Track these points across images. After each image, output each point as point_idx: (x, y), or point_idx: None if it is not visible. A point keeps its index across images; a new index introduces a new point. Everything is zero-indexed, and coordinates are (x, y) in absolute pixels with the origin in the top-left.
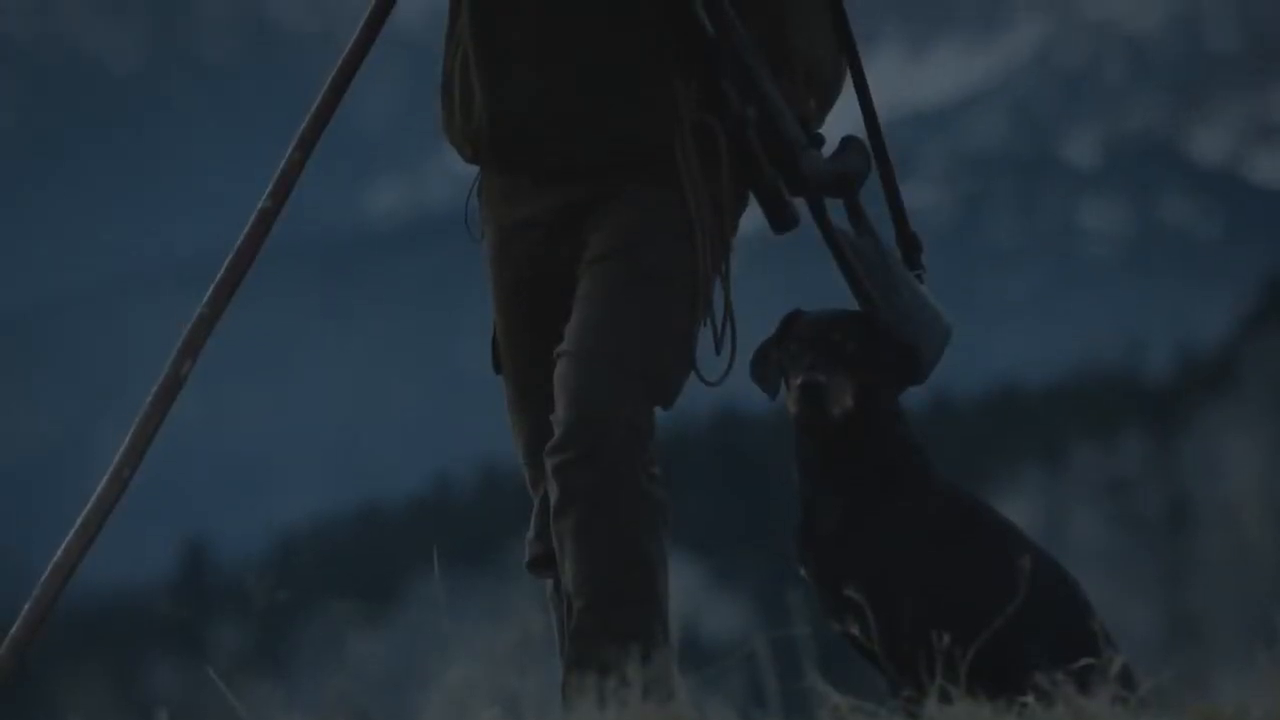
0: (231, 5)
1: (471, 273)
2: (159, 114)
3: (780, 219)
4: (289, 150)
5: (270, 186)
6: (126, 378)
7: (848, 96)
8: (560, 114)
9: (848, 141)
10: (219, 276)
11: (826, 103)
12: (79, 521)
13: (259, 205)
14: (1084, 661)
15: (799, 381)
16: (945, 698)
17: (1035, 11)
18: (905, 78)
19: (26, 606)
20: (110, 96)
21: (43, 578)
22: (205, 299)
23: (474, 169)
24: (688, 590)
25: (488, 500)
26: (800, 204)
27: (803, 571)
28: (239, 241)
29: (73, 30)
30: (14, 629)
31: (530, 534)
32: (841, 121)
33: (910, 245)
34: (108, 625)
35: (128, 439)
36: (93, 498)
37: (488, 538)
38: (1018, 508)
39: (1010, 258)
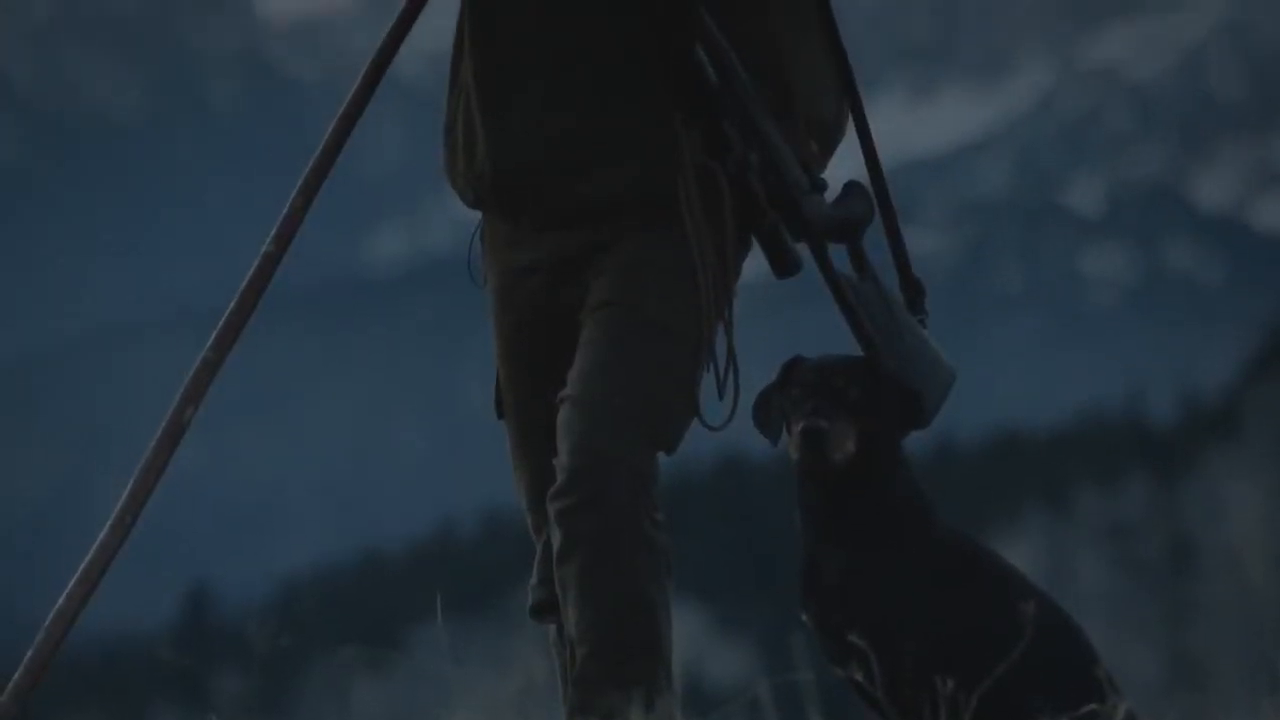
0: (235, 51)
1: (474, 318)
2: (162, 160)
3: (783, 264)
4: (292, 196)
5: (273, 232)
6: (129, 424)
7: (850, 141)
8: (563, 160)
9: (850, 186)
10: (222, 321)
11: (829, 147)
12: (81, 568)
13: (262, 250)
14: (1088, 707)
15: (801, 427)
16: None
17: (1038, 59)
18: (908, 123)
19: (29, 653)
20: (113, 142)
21: (45, 624)
22: (208, 344)
23: (477, 214)
24: (690, 636)
25: (490, 546)
26: (803, 249)
27: (805, 617)
28: (242, 286)
29: (76, 76)
30: (16, 675)
31: (533, 580)
32: (844, 166)
33: (913, 290)
34: (110, 672)
35: (130, 485)
36: (95, 544)
37: (491, 584)
38: (1021, 552)
39: (1013, 303)
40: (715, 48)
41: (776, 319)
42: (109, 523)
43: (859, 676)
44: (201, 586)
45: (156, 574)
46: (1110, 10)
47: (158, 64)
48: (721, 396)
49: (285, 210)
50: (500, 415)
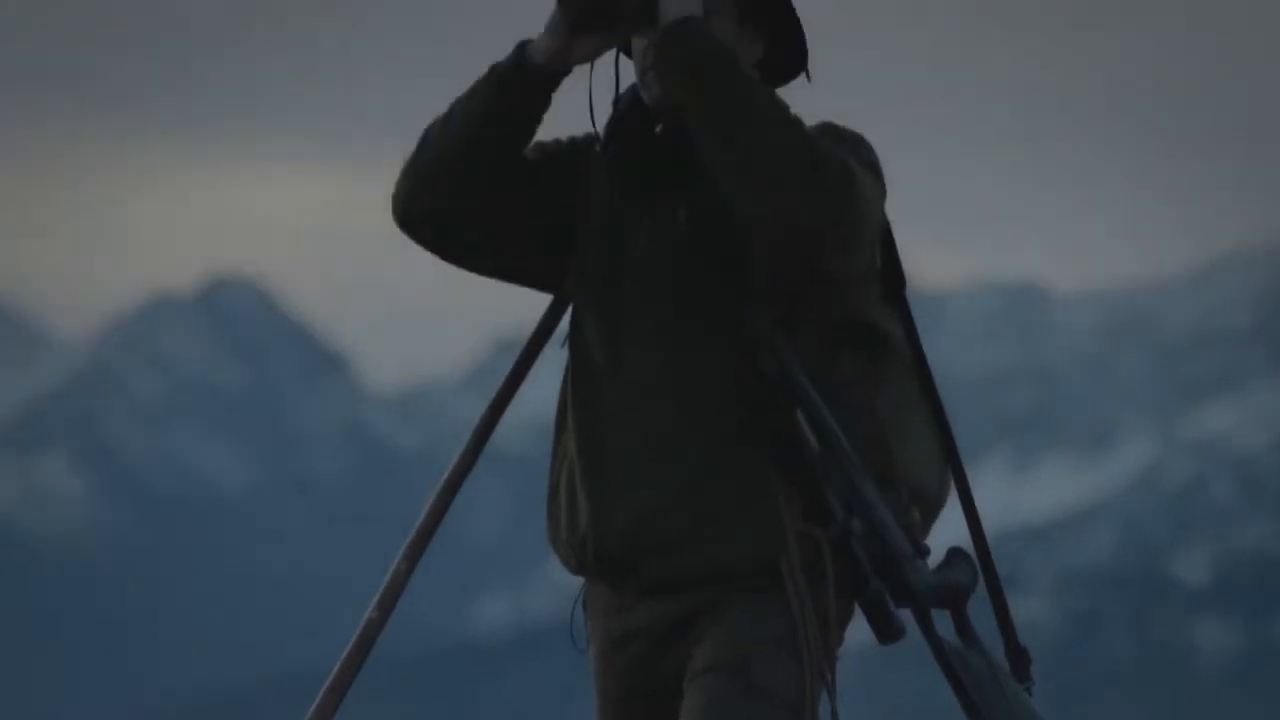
0: (338, 423)
1: (578, 684)
2: (266, 531)
3: (886, 630)
4: (395, 561)
5: (377, 598)
6: None
7: (954, 509)
8: (664, 533)
9: (954, 553)
10: (324, 689)
11: (931, 515)
12: None
13: (365, 616)
14: None
15: None
16: None
17: (1141, 430)
18: (1011, 492)
19: None
20: (219, 516)
21: None
22: (310, 711)
23: (580, 579)
24: None
25: None
26: (907, 615)
27: None
28: (345, 653)
29: (183, 451)
30: None
31: None
32: (948, 533)
33: (1018, 659)
34: None
35: None
36: None
37: None
38: None
39: (1120, 674)
40: (816, 415)
41: (881, 686)
42: None
43: None
44: None
45: None
46: (1213, 384)
47: (263, 438)
48: None
49: (389, 576)
50: None
